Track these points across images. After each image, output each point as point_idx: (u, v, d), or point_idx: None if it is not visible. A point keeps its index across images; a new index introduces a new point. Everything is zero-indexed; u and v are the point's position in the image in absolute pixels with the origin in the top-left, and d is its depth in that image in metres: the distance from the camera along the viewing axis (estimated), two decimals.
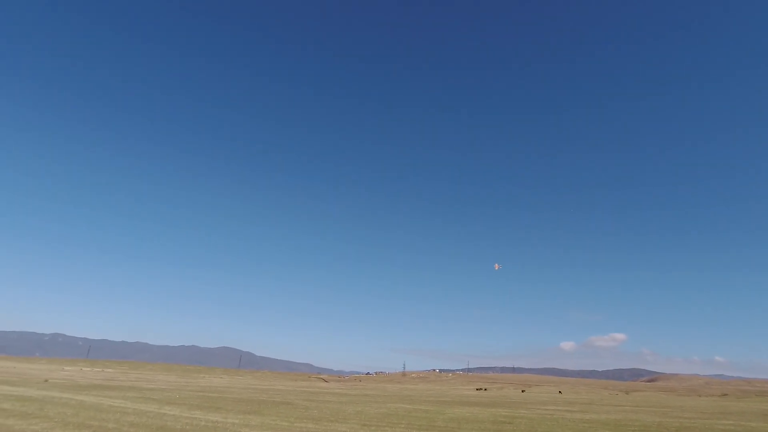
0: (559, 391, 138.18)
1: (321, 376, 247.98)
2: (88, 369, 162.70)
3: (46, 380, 57.57)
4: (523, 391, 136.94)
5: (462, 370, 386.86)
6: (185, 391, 50.66)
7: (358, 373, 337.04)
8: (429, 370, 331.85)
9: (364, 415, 29.86)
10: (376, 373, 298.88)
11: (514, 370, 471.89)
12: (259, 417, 25.38)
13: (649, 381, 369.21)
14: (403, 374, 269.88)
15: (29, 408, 22.17)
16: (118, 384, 59.76)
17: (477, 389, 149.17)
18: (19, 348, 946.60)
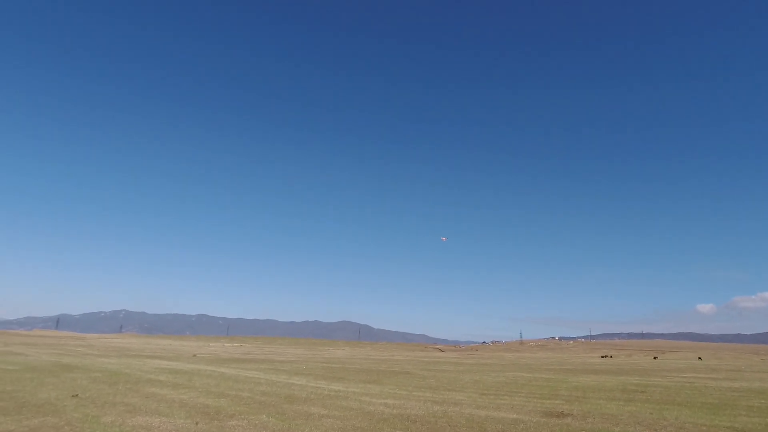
0: (699, 357, 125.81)
1: (437, 346, 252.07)
2: (229, 344, 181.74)
3: (195, 355, 65.31)
4: (655, 358, 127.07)
5: (584, 337, 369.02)
6: (311, 362, 54.36)
7: (473, 342, 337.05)
8: (548, 338, 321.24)
9: (481, 384, 29.61)
10: (492, 342, 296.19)
11: (643, 335, 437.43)
12: (378, 386, 26.30)
13: None
14: (521, 342, 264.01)
15: (180, 379, 25.09)
16: (254, 357, 65.89)
17: (602, 357, 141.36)
18: (172, 328, 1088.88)
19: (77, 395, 16.58)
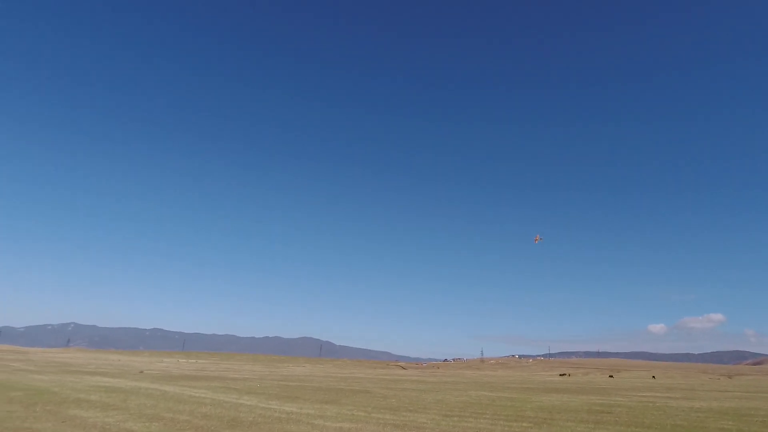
0: (653, 376, 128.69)
1: (399, 364, 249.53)
2: (184, 360, 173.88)
3: (142, 371, 61.24)
4: (611, 377, 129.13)
5: (543, 355, 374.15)
6: (267, 380, 51.65)
7: (435, 360, 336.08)
8: (508, 356, 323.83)
9: (444, 404, 28.19)
10: (453, 359, 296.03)
11: (599, 354, 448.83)
12: (335, 407, 24.49)
13: (754, 364, 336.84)
14: (482, 360, 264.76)
15: (113, 399, 22.57)
16: (207, 374, 62.36)
17: (561, 375, 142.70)
18: (125, 343, 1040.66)
19: None
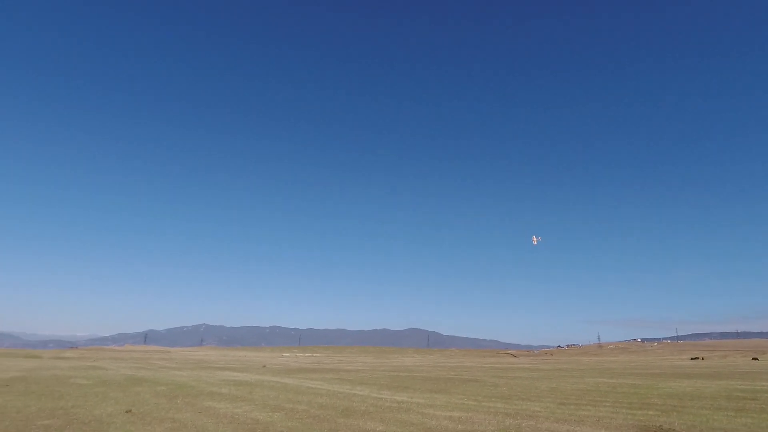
0: None
1: (509, 351, 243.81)
2: (301, 354, 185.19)
3: (264, 366, 66.18)
4: (755, 359, 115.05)
5: (669, 338, 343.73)
6: (378, 371, 53.18)
7: (547, 347, 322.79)
8: (629, 341, 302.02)
9: (559, 392, 26.97)
10: (568, 346, 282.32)
11: (738, 335, 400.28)
12: (445, 396, 24.51)
13: None
14: (599, 346, 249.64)
15: (241, 392, 24.60)
16: (322, 367, 65.80)
17: (692, 359, 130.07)
18: (248, 340, 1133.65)
19: (131, 411, 16.22)
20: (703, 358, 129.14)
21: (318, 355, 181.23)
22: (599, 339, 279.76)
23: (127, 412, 15.96)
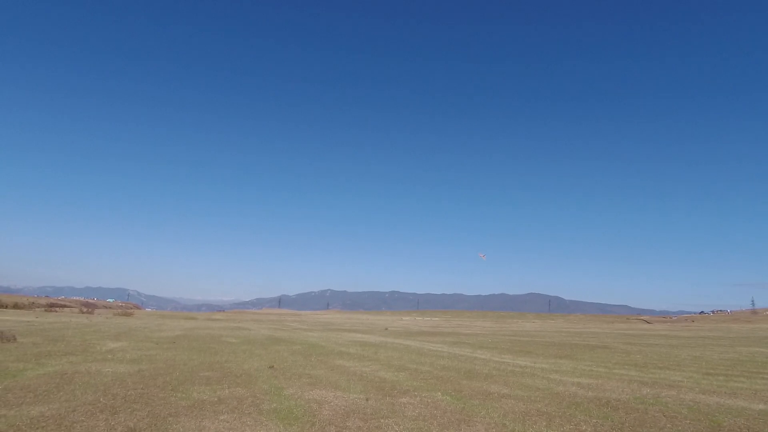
0: None
1: (642, 317, 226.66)
2: (420, 318, 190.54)
3: (386, 328, 69.25)
4: None
5: None
6: (497, 335, 52.82)
7: (688, 312, 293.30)
8: None
9: (704, 362, 24.51)
10: (713, 311, 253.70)
11: None
12: (571, 362, 23.61)
13: None
14: (753, 312, 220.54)
15: (367, 352, 26.06)
16: (441, 330, 67.09)
17: None
18: (369, 304, 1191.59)
19: (273, 366, 18.04)
20: None
21: (436, 318, 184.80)
22: (753, 304, 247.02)
23: (270, 367, 17.81)
